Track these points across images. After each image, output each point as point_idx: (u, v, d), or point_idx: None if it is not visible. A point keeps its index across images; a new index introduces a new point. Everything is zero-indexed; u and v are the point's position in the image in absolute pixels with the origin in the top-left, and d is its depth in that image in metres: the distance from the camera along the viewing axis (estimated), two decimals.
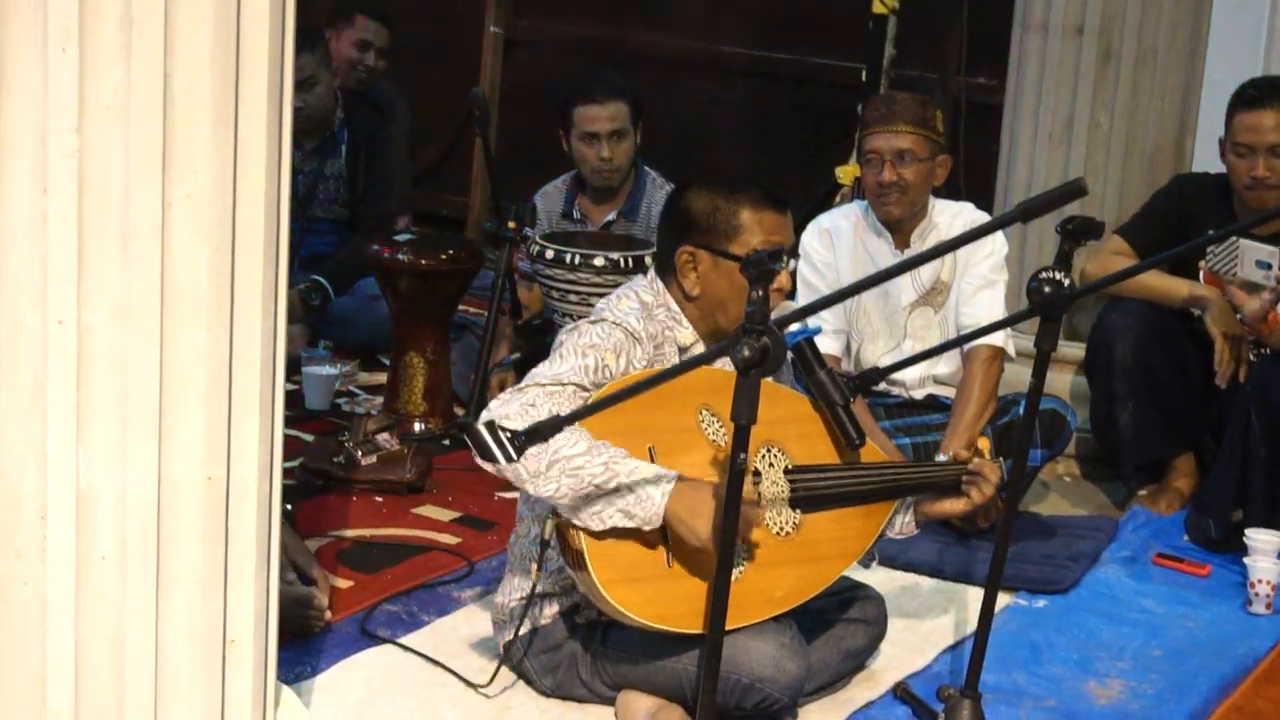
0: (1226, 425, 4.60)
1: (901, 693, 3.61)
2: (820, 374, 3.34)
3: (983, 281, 4.51)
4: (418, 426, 5.06)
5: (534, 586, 3.35)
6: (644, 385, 2.98)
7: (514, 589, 3.46)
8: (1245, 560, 4.21)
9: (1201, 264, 4.72)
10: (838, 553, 3.43)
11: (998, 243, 4.52)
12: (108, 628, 2.36)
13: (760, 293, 2.76)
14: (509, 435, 2.82)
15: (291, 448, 4.35)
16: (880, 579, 3.91)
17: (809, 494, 3.37)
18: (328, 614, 3.73)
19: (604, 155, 5.36)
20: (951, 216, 4.55)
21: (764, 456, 3.33)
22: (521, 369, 5.12)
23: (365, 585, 3.98)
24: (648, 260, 4.89)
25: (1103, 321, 4.85)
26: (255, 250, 2.37)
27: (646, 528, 3.13)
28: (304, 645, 3.62)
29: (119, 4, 2.20)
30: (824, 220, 4.67)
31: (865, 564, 3.60)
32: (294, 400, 5.15)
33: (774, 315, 2.85)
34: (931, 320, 4.58)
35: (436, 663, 3.60)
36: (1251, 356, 4.62)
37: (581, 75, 5.69)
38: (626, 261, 4.96)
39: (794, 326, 3.18)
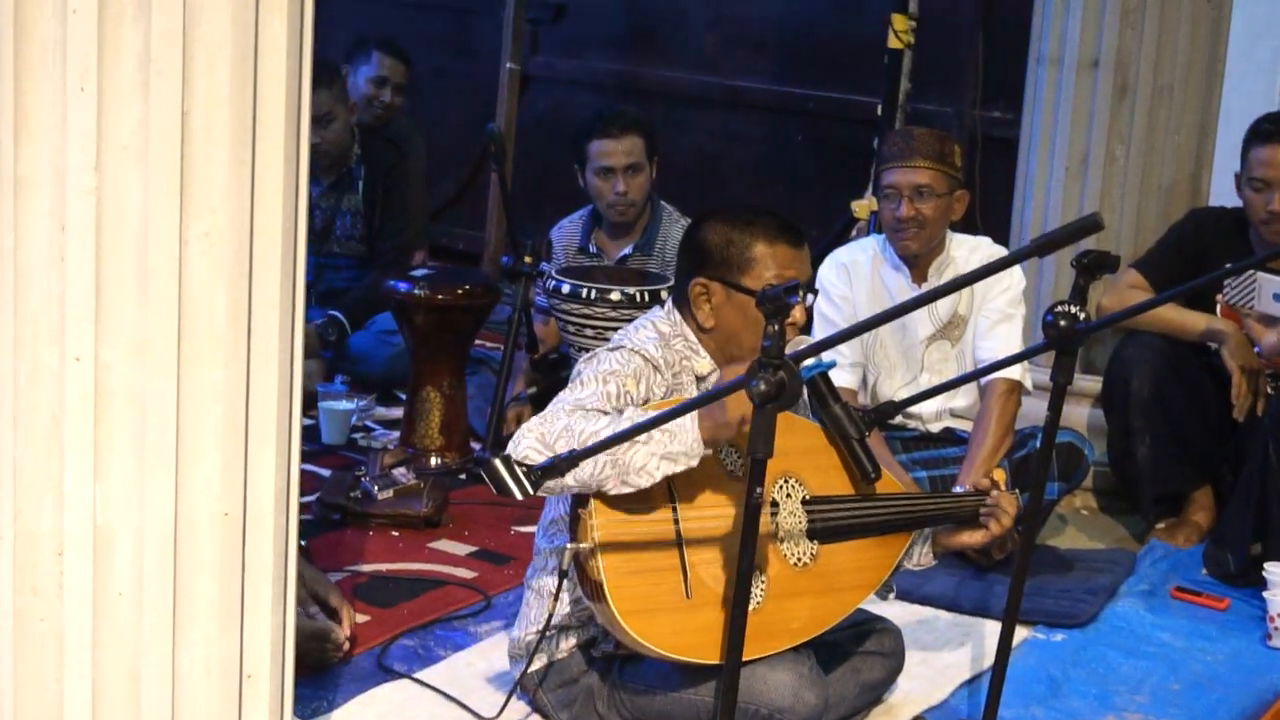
0: (1244, 459, 4.60)
1: None
2: (835, 408, 3.34)
3: (1000, 316, 4.51)
4: (434, 461, 5.06)
5: (549, 616, 3.35)
6: (661, 419, 2.97)
7: (531, 623, 3.46)
8: (1264, 594, 4.20)
9: (1218, 298, 4.72)
10: (855, 584, 3.42)
11: (1015, 277, 4.52)
12: (125, 663, 2.36)
13: (776, 327, 2.76)
14: (525, 470, 2.83)
15: (308, 483, 4.36)
16: (897, 612, 3.90)
17: (826, 525, 3.36)
18: (346, 645, 3.74)
19: (619, 190, 5.38)
20: (969, 251, 4.55)
21: (781, 487, 3.33)
22: (538, 403, 5.13)
23: (382, 620, 3.98)
24: (664, 294, 4.90)
25: (1119, 355, 4.85)
26: (272, 286, 2.38)
27: (693, 461, 3.09)
28: (320, 680, 3.62)
29: (137, 42, 2.21)
30: (841, 254, 4.68)
31: (883, 596, 3.59)
32: (310, 435, 5.16)
33: (789, 350, 2.85)
34: (949, 354, 4.58)
35: (452, 698, 3.60)
36: (1269, 390, 4.62)
37: (596, 110, 5.71)
38: (642, 296, 4.96)
39: (809, 361, 3.18)
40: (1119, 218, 5.18)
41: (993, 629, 3.92)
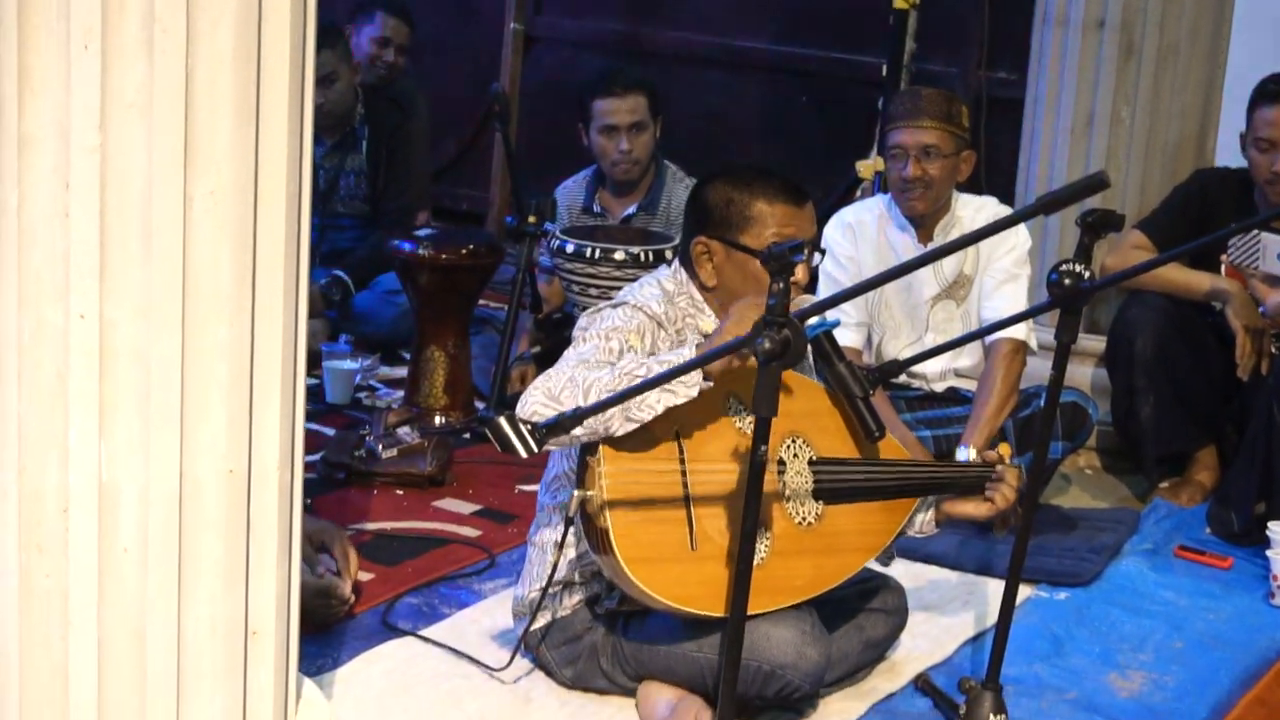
0: (1248, 418, 4.60)
1: (923, 684, 3.62)
2: (839, 366, 3.34)
3: (1005, 276, 4.51)
4: (438, 420, 5.07)
5: (553, 569, 3.36)
6: (667, 375, 2.98)
7: (534, 580, 3.47)
8: (1268, 553, 4.21)
9: (1223, 257, 4.72)
10: (858, 546, 3.43)
11: (1020, 237, 4.52)
12: (130, 620, 2.37)
13: (780, 285, 2.76)
14: (529, 427, 2.84)
15: (312, 442, 4.37)
16: (901, 571, 3.91)
17: (832, 486, 3.37)
18: (351, 599, 3.76)
19: (623, 148, 5.37)
20: (975, 210, 4.55)
21: (789, 447, 3.33)
22: (542, 363, 5.14)
23: (386, 578, 4.00)
24: (668, 254, 4.90)
25: (1123, 315, 4.85)
26: (276, 245, 2.38)
27: (692, 393, 3.08)
28: (325, 637, 3.63)
29: (141, 1, 2.21)
30: (847, 214, 4.67)
31: (884, 562, 3.60)
32: (315, 395, 5.17)
33: (794, 309, 2.85)
34: (954, 314, 4.58)
35: (458, 651, 3.62)
36: (1273, 349, 4.61)
37: (600, 69, 5.70)
38: (646, 255, 4.96)
39: (813, 320, 3.19)
40: (1124, 178, 5.17)
41: (996, 587, 3.93)
